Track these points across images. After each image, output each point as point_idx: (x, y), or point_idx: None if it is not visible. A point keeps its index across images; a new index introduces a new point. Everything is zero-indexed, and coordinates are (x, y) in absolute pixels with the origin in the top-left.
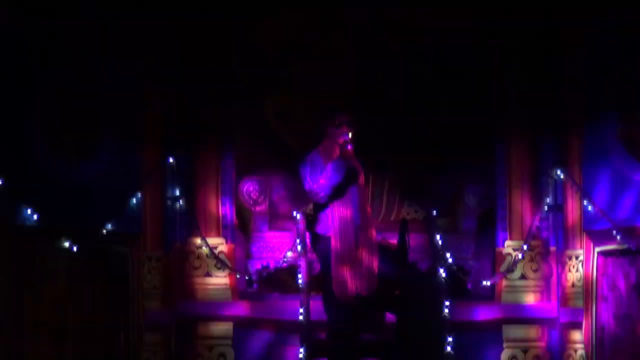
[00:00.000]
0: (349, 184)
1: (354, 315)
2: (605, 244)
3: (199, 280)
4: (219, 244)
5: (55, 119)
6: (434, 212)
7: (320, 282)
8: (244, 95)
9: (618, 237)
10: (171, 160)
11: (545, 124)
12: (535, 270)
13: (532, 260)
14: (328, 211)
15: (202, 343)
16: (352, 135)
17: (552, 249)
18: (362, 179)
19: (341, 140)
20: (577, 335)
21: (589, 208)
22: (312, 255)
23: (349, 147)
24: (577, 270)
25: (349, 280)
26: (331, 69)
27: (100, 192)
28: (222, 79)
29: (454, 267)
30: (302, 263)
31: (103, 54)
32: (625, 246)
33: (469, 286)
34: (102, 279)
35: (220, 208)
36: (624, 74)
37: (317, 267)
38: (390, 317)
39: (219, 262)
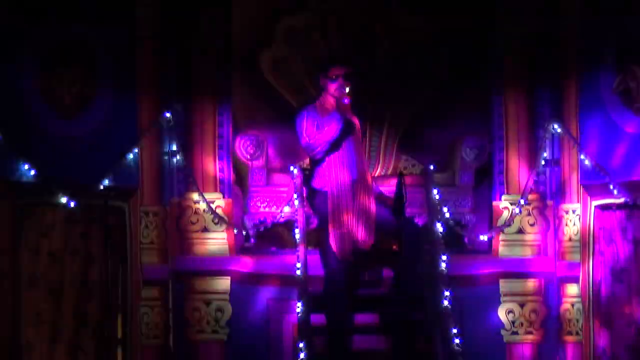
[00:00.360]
0: (345, 138)
1: (352, 269)
2: (602, 197)
3: (196, 235)
4: (216, 198)
5: (51, 73)
6: (432, 166)
7: (318, 236)
8: (241, 49)
9: (615, 191)
10: (168, 114)
11: (542, 77)
12: (532, 225)
13: (529, 214)
14: (324, 165)
15: (200, 298)
16: (349, 89)
17: (549, 203)
18: (359, 132)
19: (338, 94)
20: (574, 290)
21: (586, 162)
22: (309, 210)
23: (346, 100)
24: (574, 225)
25: (346, 234)
26: (331, 27)
27: (97, 146)
28: (218, 34)
29: (451, 222)
30: (299, 218)
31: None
32: (622, 200)
33: (466, 240)
34: (100, 233)
35: (217, 163)
36: (621, 25)
37: (315, 221)
38: (387, 271)
39: (216, 217)
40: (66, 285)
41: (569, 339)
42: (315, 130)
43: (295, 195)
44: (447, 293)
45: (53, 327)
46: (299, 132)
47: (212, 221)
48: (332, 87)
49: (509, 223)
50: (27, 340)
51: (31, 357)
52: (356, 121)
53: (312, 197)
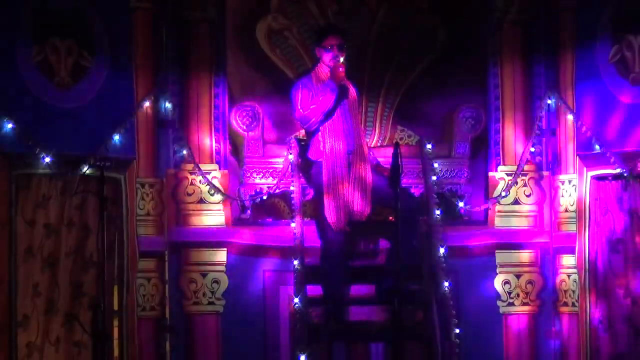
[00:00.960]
0: (340, 104)
1: (348, 240)
2: (598, 168)
3: (192, 206)
4: (212, 170)
5: (46, 44)
6: (429, 144)
7: (314, 207)
8: (237, 20)
9: (611, 161)
10: (163, 85)
11: (538, 48)
12: (528, 195)
13: (525, 185)
14: (320, 136)
15: (196, 270)
16: (344, 58)
17: (545, 173)
18: (355, 103)
19: (333, 64)
20: (570, 260)
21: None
22: (305, 181)
23: (341, 69)
24: (570, 195)
25: (341, 206)
26: None
27: (93, 117)
28: (214, 4)
29: (447, 193)
30: (296, 189)
31: None
32: (618, 170)
33: (462, 211)
34: (96, 205)
35: (213, 134)
36: None
37: (310, 192)
38: (384, 242)
39: (212, 189)
40: (62, 256)
41: (565, 310)
42: (310, 101)
43: (290, 167)
44: (443, 264)
45: (49, 299)
46: (294, 104)
47: (208, 192)
48: (327, 57)
49: (505, 194)
50: (23, 312)
51: (28, 329)
52: (353, 91)
53: (308, 168)
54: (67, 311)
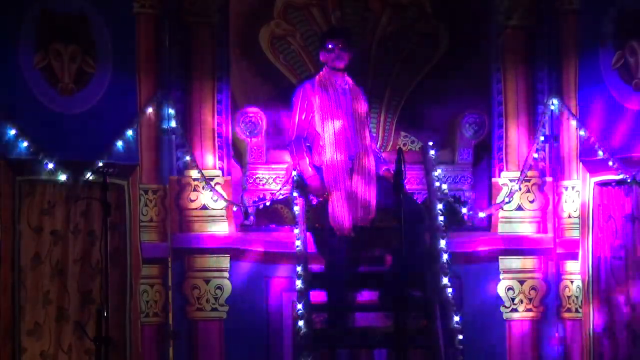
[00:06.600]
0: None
1: (351, 246)
2: (602, 174)
3: (195, 212)
4: (215, 176)
5: (50, 49)
6: (431, 142)
7: (315, 215)
8: (240, 26)
9: (614, 167)
10: (166, 91)
11: (541, 53)
12: (531, 201)
13: (528, 191)
14: (321, 141)
15: (199, 276)
16: (348, 57)
17: (549, 179)
18: (360, 108)
19: (334, 65)
20: (573, 266)
21: (581, 133)
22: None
23: (341, 64)
24: (573, 201)
25: (344, 211)
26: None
27: (97, 123)
28: (217, 9)
29: (450, 198)
30: (299, 195)
31: None
32: (621, 176)
33: (465, 217)
34: (100, 211)
35: (216, 140)
36: (620, 0)
37: (314, 198)
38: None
39: (215, 195)
40: (70, 263)
41: (568, 316)
42: (307, 111)
43: (294, 172)
44: (446, 270)
45: (60, 306)
46: (293, 110)
47: (211, 199)
48: (330, 59)
49: (508, 200)
50: (35, 320)
51: (41, 337)
52: (362, 98)
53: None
54: (76, 319)
